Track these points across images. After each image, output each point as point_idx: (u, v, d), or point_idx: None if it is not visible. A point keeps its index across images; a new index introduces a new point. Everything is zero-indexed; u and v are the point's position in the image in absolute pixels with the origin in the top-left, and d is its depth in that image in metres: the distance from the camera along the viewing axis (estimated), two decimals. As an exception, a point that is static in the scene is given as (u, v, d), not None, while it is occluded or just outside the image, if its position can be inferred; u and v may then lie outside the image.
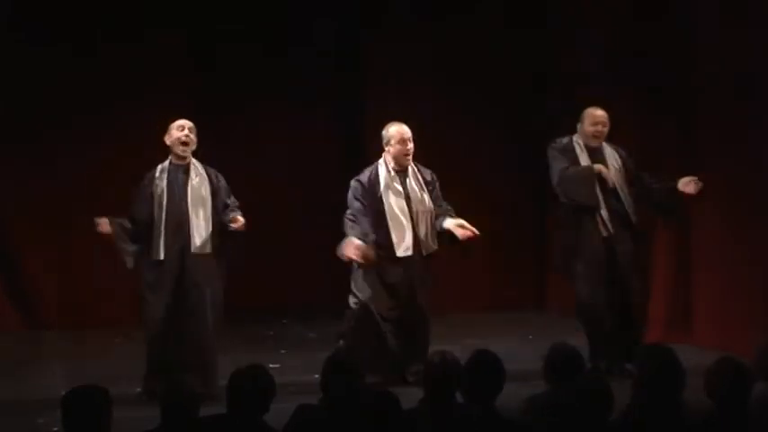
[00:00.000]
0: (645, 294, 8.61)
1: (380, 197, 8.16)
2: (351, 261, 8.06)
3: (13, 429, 7.21)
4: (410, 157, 8.27)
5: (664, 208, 8.65)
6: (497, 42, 11.59)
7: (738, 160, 9.08)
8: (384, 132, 8.29)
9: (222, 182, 8.04)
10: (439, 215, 8.24)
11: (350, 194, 8.25)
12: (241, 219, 7.89)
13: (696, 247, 9.52)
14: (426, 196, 8.23)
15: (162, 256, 7.78)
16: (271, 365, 7.43)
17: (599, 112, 8.52)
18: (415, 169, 8.32)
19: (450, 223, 8.16)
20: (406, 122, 11.62)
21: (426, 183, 8.29)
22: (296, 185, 11.91)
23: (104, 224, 7.89)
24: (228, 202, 8.03)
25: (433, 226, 8.22)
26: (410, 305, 8.21)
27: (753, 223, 8.99)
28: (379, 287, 8.15)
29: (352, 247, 7.95)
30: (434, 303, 11.14)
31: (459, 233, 8.13)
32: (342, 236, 8.25)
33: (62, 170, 10.93)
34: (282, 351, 9.56)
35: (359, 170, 8.50)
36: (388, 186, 8.18)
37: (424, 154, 11.74)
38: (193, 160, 8.00)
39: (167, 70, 11.07)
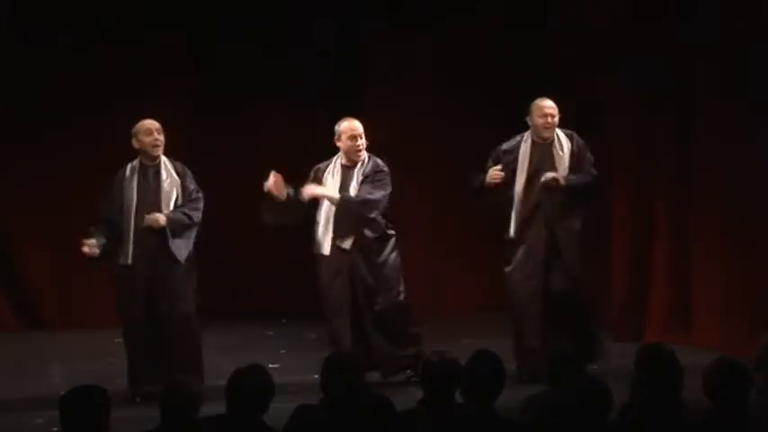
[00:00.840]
0: (581, 289, 8.41)
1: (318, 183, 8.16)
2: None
3: (13, 429, 7.21)
4: (361, 154, 8.16)
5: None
6: (497, 42, 11.58)
7: (738, 161, 9.08)
8: (336, 127, 8.25)
9: (188, 176, 7.92)
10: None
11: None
12: (156, 218, 7.71)
13: (696, 248, 9.52)
14: (356, 188, 8.10)
15: (130, 262, 7.73)
16: (270, 365, 7.44)
17: (546, 102, 8.45)
18: (364, 162, 8.19)
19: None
20: (405, 122, 11.71)
21: (365, 176, 8.15)
22: (296, 186, 11.90)
23: (92, 246, 7.76)
24: (192, 196, 7.88)
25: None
26: (368, 302, 8.14)
27: (752, 223, 8.99)
28: (329, 286, 8.16)
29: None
30: (434, 303, 11.22)
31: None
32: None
33: (62, 170, 10.92)
34: (282, 351, 9.56)
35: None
36: (325, 181, 8.17)
37: (423, 153, 11.83)
38: (163, 159, 7.91)
39: (167, 70, 11.07)
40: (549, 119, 8.37)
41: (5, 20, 10.65)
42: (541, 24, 11.45)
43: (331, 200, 8.04)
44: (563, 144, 8.35)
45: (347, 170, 8.17)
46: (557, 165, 8.28)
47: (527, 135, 8.44)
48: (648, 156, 9.85)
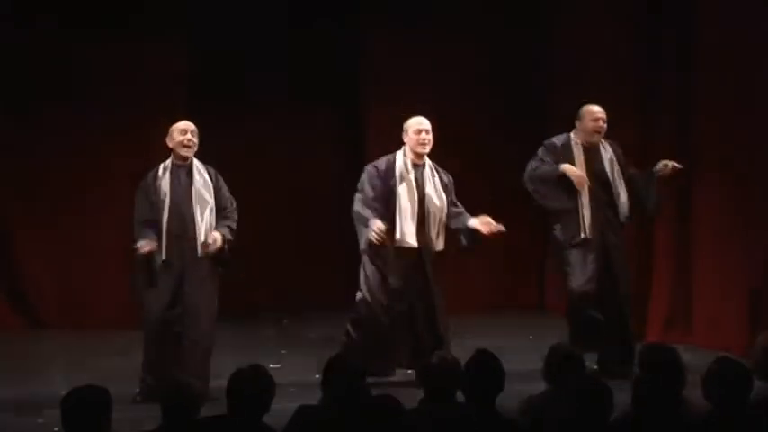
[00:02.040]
0: (629, 293, 8.58)
1: (393, 186, 8.18)
2: (371, 245, 8.05)
3: (13, 429, 7.21)
4: (426, 148, 8.30)
5: (642, 196, 8.58)
6: (497, 42, 11.59)
7: (738, 160, 9.08)
8: (404, 123, 8.37)
9: (222, 183, 8.04)
10: (455, 215, 8.28)
11: (364, 179, 8.29)
12: (215, 241, 7.81)
13: (696, 248, 9.53)
14: (441, 196, 8.27)
15: (164, 257, 7.78)
16: (271, 366, 7.46)
17: (597, 108, 8.54)
18: (433, 168, 8.37)
19: (475, 222, 8.21)
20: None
21: (443, 184, 8.34)
22: (296, 186, 11.91)
23: (147, 245, 7.76)
24: (227, 206, 8.03)
25: (444, 226, 8.24)
26: (420, 299, 8.21)
27: (752, 223, 8.99)
28: (381, 280, 8.17)
29: (375, 226, 7.96)
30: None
31: (485, 230, 8.17)
32: (346, 234, 8.29)
33: (62, 170, 10.91)
34: (283, 351, 9.56)
35: (359, 170, 8.50)
36: (402, 177, 8.22)
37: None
38: (195, 161, 8.00)
39: (167, 70, 11.06)
40: (601, 123, 8.46)
41: (10, 13, 10.64)
42: (541, 24, 11.46)
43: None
44: (607, 149, 8.50)
45: (418, 171, 8.28)
46: (606, 168, 8.43)
47: (573, 137, 8.50)
48: (649, 156, 9.85)
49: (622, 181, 8.47)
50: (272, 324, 10.89)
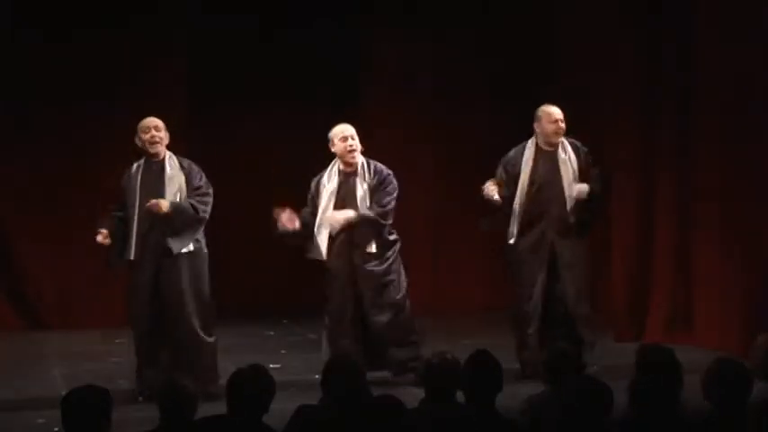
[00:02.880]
0: (582, 300, 8.42)
1: (317, 195, 8.19)
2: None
3: (15, 429, 7.21)
4: (355, 155, 8.14)
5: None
6: (497, 42, 11.58)
7: (738, 161, 9.08)
8: (329, 135, 8.27)
9: (195, 170, 7.93)
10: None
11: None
12: (158, 204, 7.68)
13: (696, 248, 9.52)
14: (364, 199, 8.10)
15: (132, 257, 7.75)
16: (271, 366, 7.45)
17: (554, 109, 8.45)
18: (364, 167, 8.17)
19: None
20: (405, 122, 11.71)
21: (372, 187, 8.13)
22: (296, 186, 11.90)
23: (105, 236, 7.83)
24: (200, 187, 7.89)
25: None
26: (368, 305, 8.14)
27: (752, 223, 8.99)
28: (334, 288, 8.17)
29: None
30: (434, 304, 11.22)
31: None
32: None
33: (63, 171, 10.92)
34: (283, 351, 9.56)
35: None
36: (322, 188, 8.17)
37: (423, 153, 11.83)
38: (168, 154, 7.93)
39: (167, 69, 11.06)
40: (560, 124, 8.37)
41: (9, 17, 10.64)
42: (541, 24, 11.46)
43: (351, 219, 8.04)
44: (569, 152, 8.35)
45: (347, 177, 8.16)
46: (561, 172, 8.29)
47: (530, 142, 8.44)
48: (649, 156, 9.85)
49: (577, 182, 8.28)
50: (272, 324, 10.89)
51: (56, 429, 6.49)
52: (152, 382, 7.58)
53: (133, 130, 10.42)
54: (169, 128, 8.09)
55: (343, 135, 8.17)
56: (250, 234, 10.81)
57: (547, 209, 8.28)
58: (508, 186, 8.34)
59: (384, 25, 11.58)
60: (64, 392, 4.75)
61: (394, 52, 11.58)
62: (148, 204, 7.68)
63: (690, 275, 9.59)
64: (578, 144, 8.42)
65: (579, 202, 8.24)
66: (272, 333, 10.56)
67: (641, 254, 9.81)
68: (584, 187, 8.26)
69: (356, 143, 8.17)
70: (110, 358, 9.04)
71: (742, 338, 8.19)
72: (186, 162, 7.95)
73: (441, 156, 11.81)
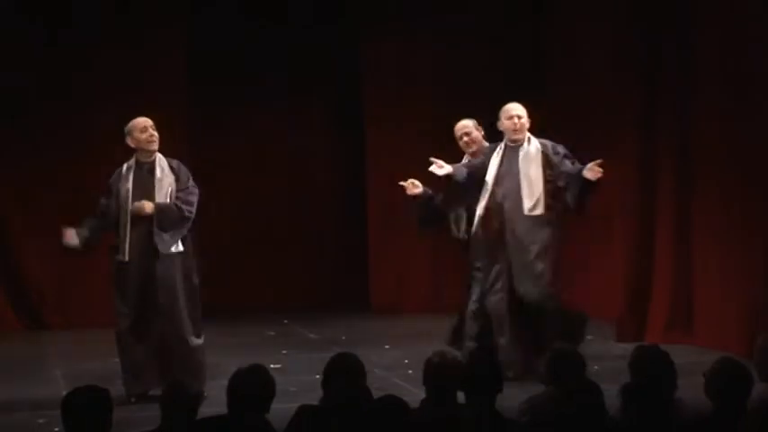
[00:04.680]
0: (543, 293, 8.23)
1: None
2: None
3: (15, 429, 7.21)
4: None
5: (570, 193, 8.24)
6: (497, 42, 11.58)
7: (738, 161, 9.07)
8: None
9: (182, 168, 7.87)
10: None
11: None
12: (141, 206, 7.66)
13: (696, 248, 9.52)
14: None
15: (126, 258, 7.71)
16: (272, 366, 7.45)
17: (513, 105, 8.44)
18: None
19: None
20: (404, 122, 11.70)
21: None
22: (296, 186, 11.92)
23: (70, 235, 7.83)
24: (187, 185, 7.83)
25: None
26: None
27: (752, 224, 8.98)
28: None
29: None
30: (434, 304, 11.22)
31: None
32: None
33: (62, 170, 10.92)
34: (283, 351, 9.55)
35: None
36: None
37: (424, 153, 11.81)
38: (158, 156, 7.85)
39: (167, 68, 11.07)
40: (517, 120, 8.36)
41: (12, 14, 10.64)
42: (541, 24, 11.46)
43: None
44: (533, 148, 8.23)
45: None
46: (521, 167, 8.16)
47: (503, 140, 8.45)
48: (649, 157, 9.84)
49: (541, 178, 8.17)
50: (272, 324, 10.89)
51: (56, 429, 6.49)
52: (141, 387, 7.54)
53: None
54: (166, 126, 8.07)
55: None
56: (250, 234, 10.82)
57: (503, 203, 8.20)
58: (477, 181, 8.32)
59: (384, 25, 11.57)
60: (64, 392, 4.75)
61: (394, 52, 11.57)
62: (133, 207, 7.65)
63: (690, 275, 9.58)
64: (550, 143, 8.29)
65: (584, 183, 8.06)
66: (272, 333, 10.56)
67: (641, 254, 9.80)
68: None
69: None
70: (110, 358, 9.03)
71: (742, 338, 8.19)
72: (175, 162, 7.88)
73: (440, 155, 11.78)
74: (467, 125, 8.66)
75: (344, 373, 5.20)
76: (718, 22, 9.21)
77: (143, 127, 7.81)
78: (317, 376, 5.38)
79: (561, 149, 8.29)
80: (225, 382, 4.95)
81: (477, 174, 8.32)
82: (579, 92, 10.35)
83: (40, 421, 7.16)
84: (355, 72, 11.78)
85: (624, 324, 9.78)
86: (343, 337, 10.06)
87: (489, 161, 8.33)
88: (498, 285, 8.22)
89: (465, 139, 8.61)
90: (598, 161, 8.01)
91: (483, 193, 8.27)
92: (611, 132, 9.93)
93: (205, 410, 5.02)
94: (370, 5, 11.53)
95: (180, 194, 7.78)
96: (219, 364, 7.81)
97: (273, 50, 11.59)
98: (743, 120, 8.99)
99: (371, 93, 11.61)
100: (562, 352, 5.54)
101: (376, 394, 4.87)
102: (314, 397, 5.25)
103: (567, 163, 8.19)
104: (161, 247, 7.65)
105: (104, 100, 10.80)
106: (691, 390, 5.11)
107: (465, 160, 8.56)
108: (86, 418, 4.53)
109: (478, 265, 8.41)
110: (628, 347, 7.84)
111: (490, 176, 8.29)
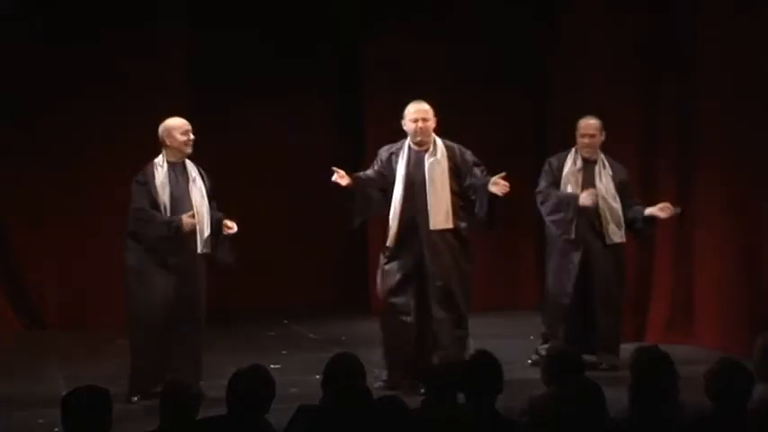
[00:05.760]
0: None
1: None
2: None
3: (15, 429, 7.21)
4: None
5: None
6: (498, 42, 11.58)
7: (738, 161, 9.08)
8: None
9: (208, 179, 7.93)
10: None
11: None
12: (233, 224, 7.84)
13: (696, 248, 9.53)
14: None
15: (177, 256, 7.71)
16: (272, 366, 7.45)
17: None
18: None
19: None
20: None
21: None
22: (296, 186, 11.92)
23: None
24: (212, 189, 7.91)
25: None
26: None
27: (752, 224, 8.99)
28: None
29: None
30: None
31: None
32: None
33: (62, 171, 10.92)
34: (283, 351, 9.55)
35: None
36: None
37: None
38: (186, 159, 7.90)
39: (167, 68, 11.06)
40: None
41: (10, 16, 10.64)
42: (542, 24, 11.45)
43: None
44: (438, 153, 7.99)
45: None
46: (426, 172, 7.89)
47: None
48: (650, 156, 9.85)
49: (448, 189, 7.92)
50: (272, 324, 10.89)
51: (56, 429, 6.49)
52: (147, 384, 7.54)
53: (133, 130, 10.47)
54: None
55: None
56: (250, 234, 10.80)
57: (415, 211, 7.89)
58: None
59: (384, 25, 11.57)
60: (64, 393, 4.75)
61: (394, 52, 11.57)
62: (186, 225, 7.62)
63: (690, 275, 9.59)
64: (457, 148, 8.06)
65: (491, 198, 7.79)
66: (272, 333, 10.56)
67: (641, 254, 9.80)
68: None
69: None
70: (110, 358, 9.03)
71: (742, 338, 8.19)
72: (203, 171, 7.92)
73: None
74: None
75: (344, 373, 5.20)
76: (718, 22, 9.22)
77: (185, 130, 7.79)
78: (317, 376, 5.38)
79: (470, 156, 7.98)
80: (225, 382, 4.95)
81: (382, 183, 8.02)
82: (579, 92, 10.34)
83: (40, 421, 7.16)
84: (355, 72, 11.77)
85: (624, 324, 9.77)
86: (343, 337, 10.06)
87: (396, 167, 7.99)
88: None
89: (587, 140, 8.44)
90: (502, 174, 7.71)
91: (392, 203, 7.94)
92: (611, 132, 9.91)
93: (205, 410, 5.02)
94: (370, 5, 11.53)
95: (213, 198, 7.85)
96: (219, 364, 7.81)
97: (273, 51, 11.60)
98: (743, 121, 8.99)
99: (371, 93, 11.61)
100: (560, 352, 5.54)
101: (376, 394, 4.87)
102: (314, 397, 5.26)
103: (477, 172, 7.91)
104: (200, 248, 7.70)
105: (104, 103, 10.80)
106: (691, 390, 5.11)
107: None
108: (86, 418, 4.53)
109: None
110: (628, 348, 7.88)
111: (398, 188, 7.96)
